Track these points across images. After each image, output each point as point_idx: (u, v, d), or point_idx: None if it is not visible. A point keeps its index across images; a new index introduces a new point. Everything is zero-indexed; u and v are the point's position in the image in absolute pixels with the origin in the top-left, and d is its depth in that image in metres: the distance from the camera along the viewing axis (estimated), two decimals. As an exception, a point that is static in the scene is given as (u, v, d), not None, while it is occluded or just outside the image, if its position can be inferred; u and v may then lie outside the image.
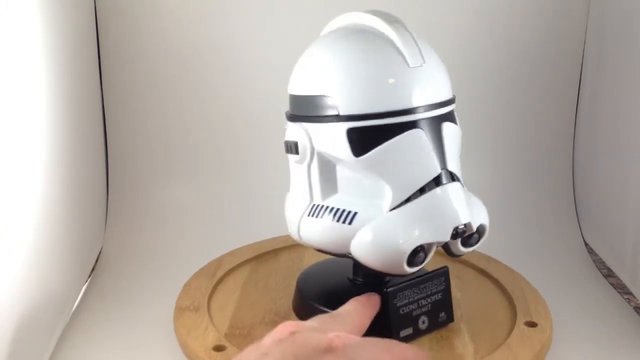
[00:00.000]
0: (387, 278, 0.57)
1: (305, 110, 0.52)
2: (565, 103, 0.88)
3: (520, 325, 0.56)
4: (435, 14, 0.84)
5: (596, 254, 0.79)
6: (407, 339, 0.53)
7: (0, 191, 0.45)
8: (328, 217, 0.51)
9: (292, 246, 0.72)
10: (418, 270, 0.54)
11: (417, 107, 0.49)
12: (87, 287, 0.70)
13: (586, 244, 0.81)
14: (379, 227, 0.49)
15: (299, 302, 0.59)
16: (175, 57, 0.84)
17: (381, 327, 0.51)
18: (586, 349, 0.58)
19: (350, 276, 0.58)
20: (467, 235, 0.50)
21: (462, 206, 0.49)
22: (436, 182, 0.49)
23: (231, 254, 0.69)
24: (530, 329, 0.56)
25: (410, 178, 0.49)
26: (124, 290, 0.69)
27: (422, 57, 0.50)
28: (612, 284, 0.72)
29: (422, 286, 0.54)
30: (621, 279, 0.71)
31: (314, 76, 0.52)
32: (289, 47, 0.61)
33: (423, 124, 0.49)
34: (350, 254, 0.51)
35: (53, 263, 0.57)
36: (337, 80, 0.50)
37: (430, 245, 0.49)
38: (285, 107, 0.56)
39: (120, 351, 0.57)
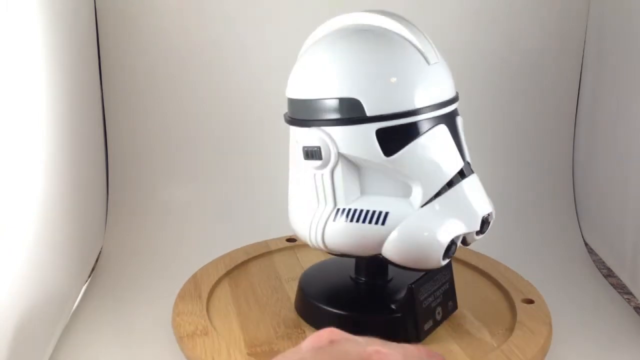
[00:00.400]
0: (390, 277, 0.57)
1: (324, 114, 0.51)
2: (565, 103, 0.88)
3: (519, 304, 0.59)
4: (435, 14, 0.84)
5: (596, 254, 0.79)
6: (429, 332, 0.54)
7: (0, 191, 0.45)
8: (359, 220, 0.51)
9: (259, 256, 0.71)
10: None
11: (439, 104, 0.50)
12: (87, 287, 0.70)
13: (586, 244, 0.81)
14: (414, 224, 0.50)
15: (302, 301, 0.59)
16: (175, 57, 0.83)
17: (406, 323, 0.53)
18: (586, 349, 0.58)
19: (353, 275, 0.58)
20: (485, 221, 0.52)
21: (485, 195, 0.52)
22: (461, 174, 0.51)
23: (203, 271, 0.67)
24: (531, 305, 0.58)
25: (438, 173, 0.50)
26: (124, 290, 0.69)
27: (437, 55, 0.51)
28: (612, 284, 0.72)
29: (436, 278, 0.55)
30: (621, 279, 0.71)
31: (332, 78, 0.50)
32: (290, 48, 0.61)
33: (445, 120, 0.51)
34: (381, 254, 0.51)
35: (53, 263, 0.57)
36: (362, 81, 0.49)
37: (459, 236, 0.50)
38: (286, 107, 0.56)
39: (120, 351, 0.57)
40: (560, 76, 0.87)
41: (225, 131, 0.86)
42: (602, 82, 0.79)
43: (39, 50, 0.55)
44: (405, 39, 0.50)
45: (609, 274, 0.75)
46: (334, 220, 0.52)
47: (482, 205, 0.51)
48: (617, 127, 0.73)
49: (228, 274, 0.67)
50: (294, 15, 0.83)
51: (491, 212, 0.52)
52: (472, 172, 0.52)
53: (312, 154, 0.52)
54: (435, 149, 0.50)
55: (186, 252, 0.77)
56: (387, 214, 0.50)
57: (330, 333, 0.33)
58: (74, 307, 0.64)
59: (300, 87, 0.53)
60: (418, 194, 0.50)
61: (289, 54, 0.57)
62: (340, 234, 0.52)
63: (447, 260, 0.50)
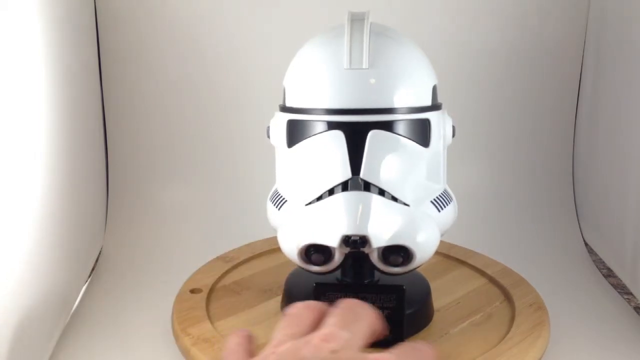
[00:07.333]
0: (377, 278, 0.56)
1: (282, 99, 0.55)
2: (565, 103, 0.88)
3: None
4: (435, 15, 0.84)
5: (596, 254, 0.79)
6: None
7: (0, 191, 0.45)
8: (271, 199, 0.54)
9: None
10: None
11: (339, 109, 0.49)
12: (87, 287, 0.70)
13: (586, 244, 0.81)
14: (288, 220, 0.50)
15: (287, 302, 0.58)
16: (176, 58, 0.84)
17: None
18: (586, 349, 0.58)
19: (339, 277, 0.58)
20: (390, 253, 0.47)
21: (357, 217, 0.46)
22: (343, 187, 0.48)
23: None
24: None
25: (322, 178, 0.49)
26: (124, 290, 0.69)
27: (365, 61, 0.48)
28: (612, 284, 0.72)
29: (361, 295, 0.51)
30: (621, 279, 0.71)
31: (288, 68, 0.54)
32: (291, 51, 0.61)
33: (345, 127, 0.48)
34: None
35: (53, 263, 0.57)
36: (289, 72, 0.53)
37: (322, 247, 0.47)
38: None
39: (120, 351, 0.57)
40: (560, 76, 0.87)
41: (226, 132, 0.86)
42: (602, 82, 0.79)
43: (39, 50, 0.55)
44: (343, 40, 0.49)
45: (609, 274, 0.75)
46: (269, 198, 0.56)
47: (344, 225, 0.46)
48: (617, 127, 0.73)
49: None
50: (298, 17, 0.83)
51: (364, 236, 0.46)
52: (366, 190, 0.47)
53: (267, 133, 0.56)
54: (323, 153, 0.49)
55: (186, 251, 0.77)
56: (285, 201, 0.52)
57: (332, 338, 0.30)
58: (74, 307, 0.64)
59: None
60: (306, 193, 0.50)
61: (291, 57, 0.57)
62: (268, 211, 0.55)
63: (315, 267, 0.48)
